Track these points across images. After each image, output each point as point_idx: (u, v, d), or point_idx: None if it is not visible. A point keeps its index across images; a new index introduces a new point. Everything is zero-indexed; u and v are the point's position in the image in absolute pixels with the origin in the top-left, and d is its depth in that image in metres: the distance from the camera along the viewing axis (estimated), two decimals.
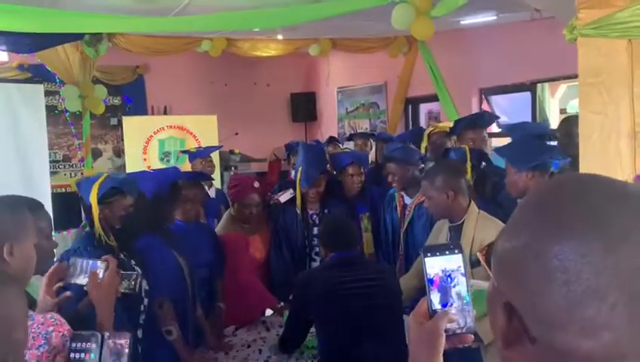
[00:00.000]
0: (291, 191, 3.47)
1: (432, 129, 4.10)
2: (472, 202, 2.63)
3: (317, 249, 3.52)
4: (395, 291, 2.52)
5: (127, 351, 1.41)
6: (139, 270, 2.29)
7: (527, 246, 0.61)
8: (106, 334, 1.44)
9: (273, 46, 7.00)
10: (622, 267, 0.56)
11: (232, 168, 7.38)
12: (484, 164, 3.27)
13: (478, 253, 0.67)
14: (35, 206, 1.74)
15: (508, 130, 3.41)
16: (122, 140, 8.15)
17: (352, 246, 2.57)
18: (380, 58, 7.30)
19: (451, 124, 3.97)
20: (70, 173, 7.70)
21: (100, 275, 1.74)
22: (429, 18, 4.42)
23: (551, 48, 4.92)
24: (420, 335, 0.93)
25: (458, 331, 0.93)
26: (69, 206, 6.35)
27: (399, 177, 3.35)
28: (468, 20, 5.94)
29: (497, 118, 4.08)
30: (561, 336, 0.58)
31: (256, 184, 3.40)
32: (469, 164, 3.13)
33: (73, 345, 1.39)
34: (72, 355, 1.37)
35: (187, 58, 7.73)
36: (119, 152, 8.16)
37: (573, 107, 6.28)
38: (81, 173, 6.92)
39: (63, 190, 6.70)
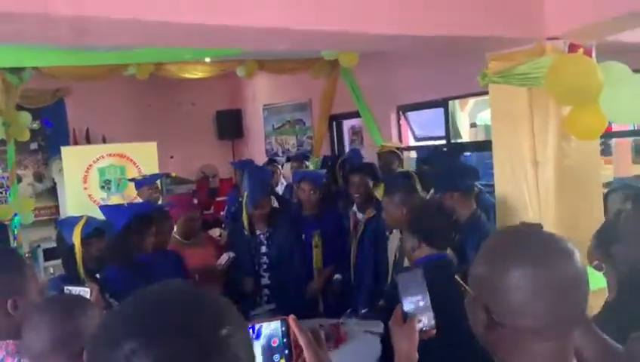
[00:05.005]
0: (230, 254, 3.73)
1: (380, 149, 4.83)
2: None
3: (265, 266, 3.84)
4: None
5: None
6: (114, 301, 2.46)
7: (496, 271, 1.03)
8: None
9: (201, 68, 7.13)
10: (545, 282, 0.99)
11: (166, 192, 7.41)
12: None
13: (457, 276, 1.16)
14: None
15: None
16: (43, 165, 7.96)
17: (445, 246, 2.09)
18: (304, 76, 7.63)
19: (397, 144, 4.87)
20: None
21: None
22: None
23: (461, 70, 5.47)
24: (401, 334, 1.34)
25: (424, 328, 1.35)
26: None
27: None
28: None
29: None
30: (520, 321, 0.99)
31: (195, 201, 3.85)
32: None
33: None
34: None
35: (109, 80, 7.65)
36: (40, 177, 7.93)
37: (481, 119, 6.97)
38: (5, 201, 6.70)
39: None
